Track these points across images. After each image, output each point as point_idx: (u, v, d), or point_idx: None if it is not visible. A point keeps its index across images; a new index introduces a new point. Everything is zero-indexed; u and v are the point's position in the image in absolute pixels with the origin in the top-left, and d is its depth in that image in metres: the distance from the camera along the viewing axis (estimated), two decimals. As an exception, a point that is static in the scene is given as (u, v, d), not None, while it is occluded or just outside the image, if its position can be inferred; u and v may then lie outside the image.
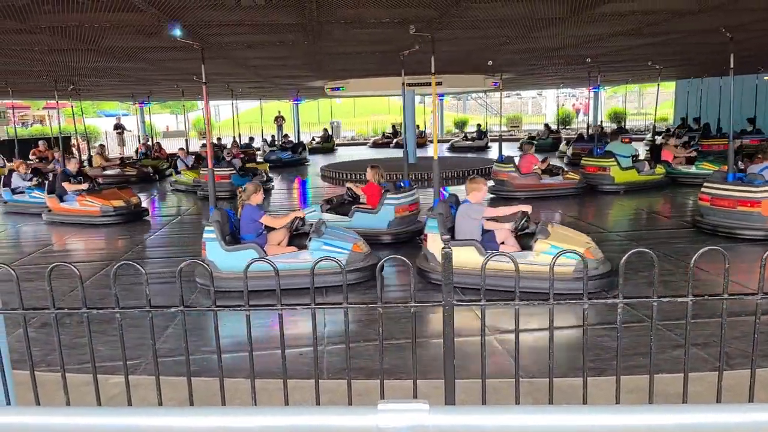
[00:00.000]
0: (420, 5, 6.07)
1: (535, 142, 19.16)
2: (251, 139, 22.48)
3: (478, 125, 25.63)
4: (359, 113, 41.66)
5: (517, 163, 11.43)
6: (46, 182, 10.86)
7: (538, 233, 5.71)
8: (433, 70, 7.46)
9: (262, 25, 7.00)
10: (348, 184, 8.80)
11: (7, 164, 16.29)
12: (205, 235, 6.01)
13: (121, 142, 25.26)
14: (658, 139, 16.42)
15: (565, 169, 12.24)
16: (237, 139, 19.50)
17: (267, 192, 12.22)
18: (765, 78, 18.39)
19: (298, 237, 6.40)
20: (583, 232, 6.49)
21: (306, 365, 4.03)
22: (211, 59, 7.76)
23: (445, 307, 2.47)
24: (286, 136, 24.18)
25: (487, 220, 5.99)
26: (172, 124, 40.96)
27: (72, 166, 10.74)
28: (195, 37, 7.04)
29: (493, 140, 23.82)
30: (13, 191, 11.57)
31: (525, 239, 5.92)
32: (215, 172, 7.70)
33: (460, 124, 33.81)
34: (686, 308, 2.39)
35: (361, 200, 8.29)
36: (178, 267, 2.46)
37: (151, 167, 16.64)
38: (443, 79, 13.70)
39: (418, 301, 2.49)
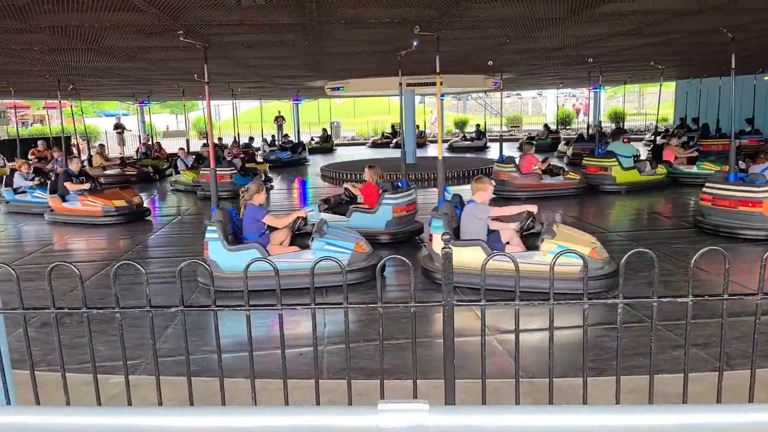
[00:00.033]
0: (420, 5, 6.07)
1: (534, 142, 19.18)
2: (251, 138, 22.49)
3: (477, 125, 25.64)
4: (359, 113, 41.63)
5: (517, 164, 11.44)
6: (49, 182, 10.86)
7: (543, 233, 5.70)
8: (438, 70, 7.46)
9: (262, 25, 7.00)
10: (346, 185, 8.81)
11: (8, 164, 16.28)
12: (207, 235, 6.01)
13: (121, 142, 25.27)
14: (659, 140, 16.42)
15: (566, 169, 12.25)
16: (237, 139, 19.50)
17: (266, 192, 12.21)
18: (765, 78, 18.39)
19: (300, 237, 6.40)
20: (585, 232, 6.49)
21: (306, 365, 4.03)
22: (211, 59, 7.76)
23: (445, 307, 2.47)
24: (286, 135, 24.20)
25: (492, 219, 5.99)
26: (172, 123, 40.98)
27: (74, 166, 10.75)
28: (195, 37, 7.05)
29: (492, 140, 23.83)
30: (16, 191, 11.57)
31: (530, 239, 5.92)
32: (216, 172, 7.69)
33: (461, 124, 33.82)
34: (686, 308, 2.39)
35: (358, 200, 8.30)
36: (178, 267, 2.47)
37: (151, 167, 16.65)
38: (443, 79, 13.68)
39: (419, 301, 2.49)
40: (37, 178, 11.68)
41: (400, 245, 7.79)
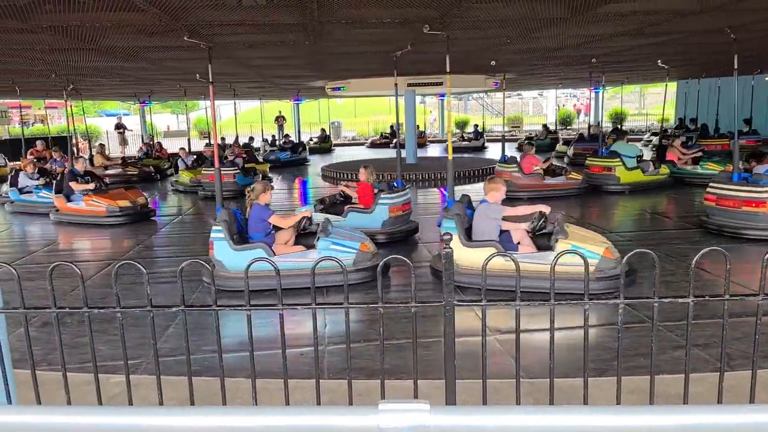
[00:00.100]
0: (421, 5, 6.06)
1: (534, 142, 19.18)
2: (251, 138, 22.49)
3: (476, 125, 25.66)
4: (360, 113, 41.63)
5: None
6: (54, 182, 10.86)
7: (556, 234, 5.68)
8: (448, 69, 7.45)
9: (263, 25, 7.00)
10: (341, 186, 8.82)
11: (9, 163, 16.30)
12: (213, 235, 6.00)
13: (123, 142, 25.29)
14: (656, 140, 16.41)
15: (568, 169, 12.25)
16: (237, 139, 19.51)
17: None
18: (766, 78, 18.36)
19: (304, 236, 6.39)
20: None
21: (307, 365, 4.03)
22: (214, 59, 7.77)
23: (445, 307, 2.47)
24: (287, 135, 24.21)
25: (503, 220, 5.98)
26: (173, 123, 41.03)
27: (80, 166, 10.76)
28: (197, 37, 7.05)
29: (491, 140, 23.82)
30: (21, 191, 11.57)
31: (541, 239, 5.91)
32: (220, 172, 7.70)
33: (461, 125, 33.85)
34: (687, 309, 2.39)
35: (353, 200, 8.31)
36: (179, 266, 2.47)
37: (152, 167, 16.66)
38: (444, 79, 13.69)
39: (421, 301, 2.49)
40: (42, 178, 11.69)
41: (397, 245, 7.80)
